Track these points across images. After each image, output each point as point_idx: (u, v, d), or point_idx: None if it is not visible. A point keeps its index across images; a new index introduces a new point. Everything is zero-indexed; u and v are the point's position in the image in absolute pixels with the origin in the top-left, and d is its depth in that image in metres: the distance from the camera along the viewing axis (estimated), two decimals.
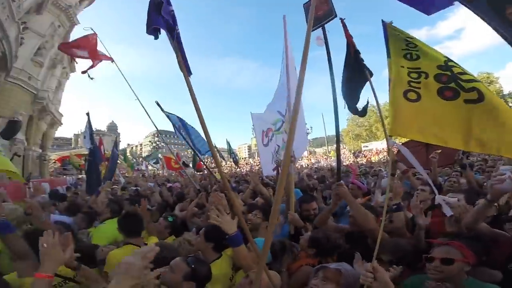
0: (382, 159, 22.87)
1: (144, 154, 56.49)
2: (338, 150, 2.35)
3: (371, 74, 2.38)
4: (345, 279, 1.25)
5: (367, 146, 40.37)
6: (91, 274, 1.66)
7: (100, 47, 4.63)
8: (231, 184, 5.36)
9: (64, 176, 15.98)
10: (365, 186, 3.55)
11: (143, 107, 4.87)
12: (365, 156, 32.38)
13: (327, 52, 2.45)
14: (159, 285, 1.29)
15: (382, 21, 2.14)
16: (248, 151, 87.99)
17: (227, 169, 35.21)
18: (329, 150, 38.62)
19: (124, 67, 5.07)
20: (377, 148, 34.15)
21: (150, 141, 78.32)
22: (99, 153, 6.55)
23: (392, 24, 2.11)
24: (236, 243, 1.64)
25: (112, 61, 4.76)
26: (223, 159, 16.48)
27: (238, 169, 20.90)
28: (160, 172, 22.68)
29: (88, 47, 4.49)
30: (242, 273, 1.70)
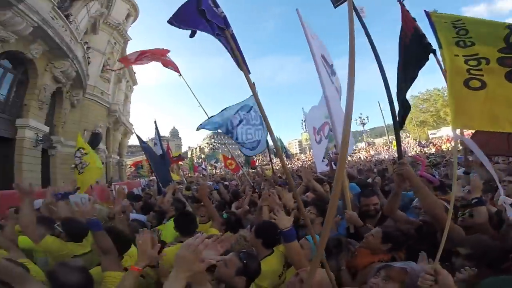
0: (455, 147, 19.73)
1: (203, 156, 60.66)
2: (397, 138, 2.10)
3: (433, 51, 2.12)
4: (410, 279, 1.13)
5: (435, 134, 35.54)
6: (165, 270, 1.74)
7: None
8: (281, 181, 5.32)
9: (138, 179, 18.23)
10: (437, 179, 3.09)
11: (205, 112, 4.98)
12: (434, 145, 28.46)
13: (365, 33, 2.24)
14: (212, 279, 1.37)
15: (425, 11, 1.95)
16: (299, 146, 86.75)
17: (278, 165, 35.06)
18: (390, 140, 35.32)
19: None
20: (448, 135, 29.76)
21: (207, 143, 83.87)
22: (167, 157, 7.33)
23: (436, 12, 1.93)
24: (289, 238, 1.62)
25: (180, 74, 5.17)
26: (275, 156, 16.39)
27: (289, 165, 20.69)
28: (218, 171, 24.25)
29: (159, 56, 5.03)
30: (293, 271, 1.66)
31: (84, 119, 16.06)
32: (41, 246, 2.11)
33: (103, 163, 14.00)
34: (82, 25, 14.53)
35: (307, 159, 40.62)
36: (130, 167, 26.55)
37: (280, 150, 1.97)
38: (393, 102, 1.98)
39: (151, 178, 17.89)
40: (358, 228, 2.19)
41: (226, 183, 8.48)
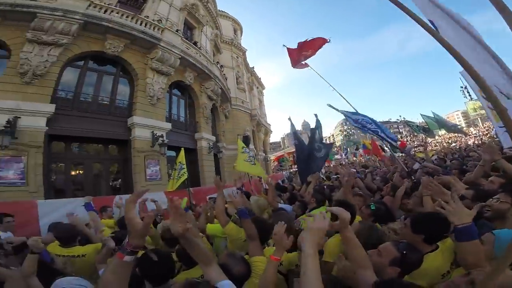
0: None
1: (337, 144, 58.68)
2: None
3: None
4: None
5: None
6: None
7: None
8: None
9: (281, 171, 19.93)
10: None
11: (340, 94, 5.06)
12: None
13: None
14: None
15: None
16: (464, 119, 65.27)
17: (436, 145, 27.80)
18: None
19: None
20: None
21: (340, 131, 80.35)
22: (309, 147, 7.52)
23: None
24: (466, 236, 1.30)
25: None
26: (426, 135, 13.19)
27: (453, 144, 16.01)
28: (360, 158, 22.57)
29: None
30: (460, 271, 1.35)
31: (236, 126, 19.25)
32: (225, 230, 2.56)
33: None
34: (208, 49, 17.14)
35: (482, 132, 29.83)
36: (273, 161, 30.14)
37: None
38: None
39: (292, 170, 19.26)
40: None
41: (367, 170, 7.77)
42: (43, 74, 7.87)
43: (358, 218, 2.42)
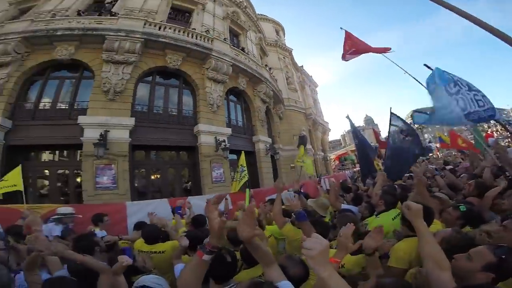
0: None
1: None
2: None
3: None
4: None
5: None
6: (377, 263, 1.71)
7: None
8: None
9: (343, 171, 18.77)
10: None
11: (414, 78, 4.60)
12: None
13: None
14: None
15: None
16: None
17: None
18: None
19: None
20: None
21: (409, 123, 72.25)
22: (368, 146, 7.03)
23: None
24: None
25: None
26: None
27: None
28: (430, 154, 19.80)
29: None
30: None
31: (291, 126, 19.09)
32: (283, 231, 2.56)
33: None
34: (255, 53, 17.55)
35: None
36: (334, 160, 28.78)
37: None
38: None
39: (355, 169, 18.00)
40: None
41: (450, 167, 6.77)
42: (122, 90, 9.19)
43: (437, 224, 2.16)
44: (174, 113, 10.69)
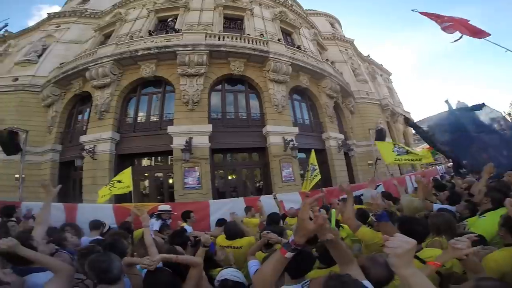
0: None
1: None
2: None
3: None
4: None
5: None
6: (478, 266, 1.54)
7: None
8: None
9: (434, 166, 16.12)
10: None
11: None
12: None
13: None
14: None
15: None
16: None
17: None
18: None
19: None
20: None
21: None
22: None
23: None
24: None
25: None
26: None
27: None
28: None
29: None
30: None
31: (364, 120, 17.67)
32: (357, 234, 2.45)
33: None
34: (313, 49, 17.00)
35: None
36: None
37: None
38: None
39: (448, 164, 15.03)
40: None
41: None
42: (198, 100, 10.36)
43: None
44: (244, 117, 11.42)
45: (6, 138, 9.75)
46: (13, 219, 3.86)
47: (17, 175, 9.80)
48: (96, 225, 3.83)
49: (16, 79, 13.66)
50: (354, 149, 14.95)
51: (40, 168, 11.59)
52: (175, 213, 4.87)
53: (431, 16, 5.47)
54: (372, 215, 2.29)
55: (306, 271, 1.72)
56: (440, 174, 11.17)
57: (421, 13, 5.53)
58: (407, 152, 6.72)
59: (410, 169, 20.65)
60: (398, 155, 6.70)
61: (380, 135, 15.59)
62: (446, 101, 6.53)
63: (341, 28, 25.55)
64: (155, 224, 4.38)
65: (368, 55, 26.21)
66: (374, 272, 1.47)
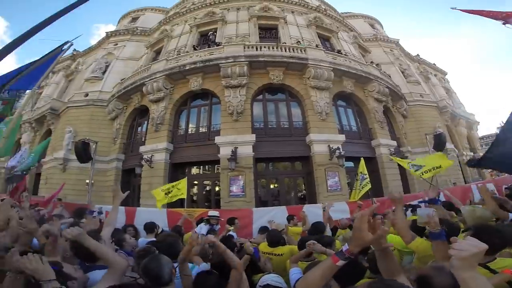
0: None
1: None
2: None
3: None
4: None
5: None
6: None
7: None
8: None
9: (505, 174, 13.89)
10: None
11: None
12: None
13: None
14: None
15: None
16: None
17: None
18: None
19: None
20: None
21: None
22: None
23: None
24: None
25: None
26: None
27: None
28: None
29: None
30: None
31: (420, 124, 16.14)
32: (411, 246, 2.30)
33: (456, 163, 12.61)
34: (355, 52, 16.27)
35: None
36: None
37: None
38: None
39: None
40: None
41: None
42: (242, 111, 10.69)
43: None
44: (286, 126, 11.37)
45: (80, 148, 11.23)
46: (83, 220, 4.25)
47: (87, 181, 11.18)
48: (151, 227, 4.17)
49: (87, 95, 15.71)
50: (409, 156, 13.70)
51: (106, 175, 13.15)
52: (222, 219, 5.05)
53: (476, 13, 4.93)
54: (429, 233, 2.09)
55: (356, 280, 1.69)
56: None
57: (464, 10, 5.08)
58: (421, 166, 6.12)
59: (477, 177, 18.24)
60: (416, 171, 6.16)
61: (439, 141, 13.96)
62: None
63: (382, 29, 24.31)
64: (203, 228, 4.61)
65: (418, 54, 24.10)
66: (438, 281, 1.38)
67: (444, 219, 2.83)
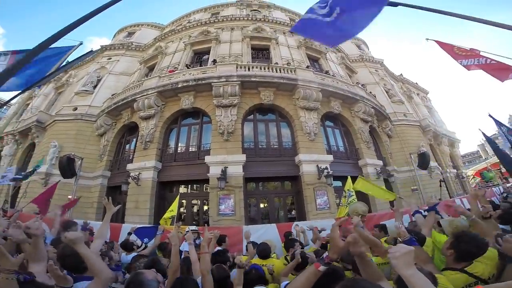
0: None
1: None
2: None
3: None
4: None
5: None
6: None
7: None
8: None
9: (488, 188, 14.63)
10: None
11: None
12: None
13: None
14: None
15: None
16: None
17: None
18: None
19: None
20: None
21: None
22: None
23: None
24: None
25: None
26: None
27: None
28: None
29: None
30: None
31: (404, 144, 16.60)
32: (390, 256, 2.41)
33: (441, 180, 13.00)
34: (342, 73, 16.92)
35: None
36: (473, 177, 23.61)
37: None
38: None
39: (508, 184, 14.37)
40: None
41: None
42: (232, 131, 10.77)
43: None
44: (276, 146, 11.51)
45: (64, 164, 10.94)
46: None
47: (69, 196, 10.81)
48: (130, 246, 4.42)
49: (76, 109, 15.41)
50: (395, 175, 14.07)
51: (90, 191, 12.77)
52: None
53: (446, 47, 4.97)
54: (400, 242, 2.20)
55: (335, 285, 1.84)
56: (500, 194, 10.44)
57: (437, 42, 5.09)
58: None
59: (461, 192, 18.95)
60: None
61: (423, 160, 14.52)
62: (490, 115, 6.07)
63: (368, 49, 25.28)
64: (185, 245, 4.63)
65: (401, 74, 25.26)
66: None
67: (412, 229, 3.21)
